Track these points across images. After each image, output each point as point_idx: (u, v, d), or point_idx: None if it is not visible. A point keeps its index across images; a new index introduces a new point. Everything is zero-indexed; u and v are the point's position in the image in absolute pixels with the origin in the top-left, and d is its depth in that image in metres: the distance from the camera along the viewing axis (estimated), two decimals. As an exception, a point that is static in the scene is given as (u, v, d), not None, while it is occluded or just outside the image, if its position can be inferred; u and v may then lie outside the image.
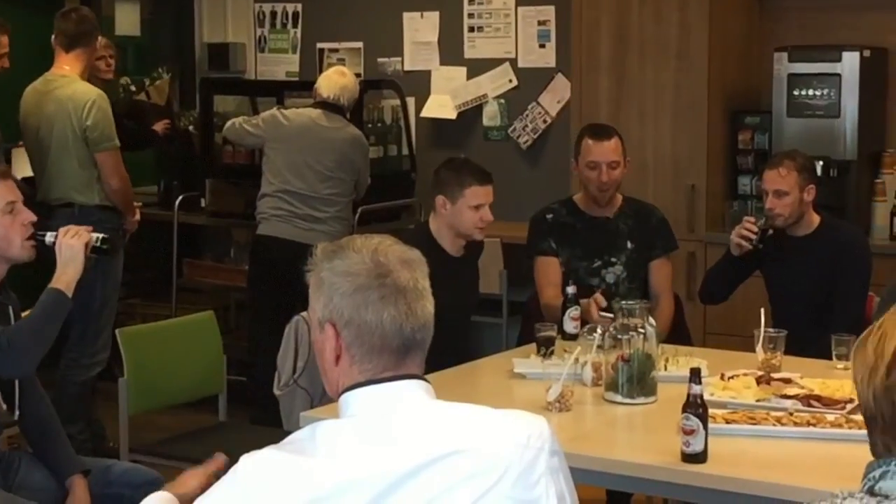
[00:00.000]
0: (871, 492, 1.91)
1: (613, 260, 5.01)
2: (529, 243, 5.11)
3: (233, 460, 2.05)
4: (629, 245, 5.02)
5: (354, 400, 2.09)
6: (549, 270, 4.98)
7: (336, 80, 6.38)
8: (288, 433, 2.15)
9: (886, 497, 1.88)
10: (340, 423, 2.07)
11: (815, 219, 4.84)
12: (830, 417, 3.48)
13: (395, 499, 1.98)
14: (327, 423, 2.08)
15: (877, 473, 1.91)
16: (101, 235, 3.90)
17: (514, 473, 2.03)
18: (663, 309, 4.94)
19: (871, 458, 1.99)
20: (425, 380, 2.13)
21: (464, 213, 4.64)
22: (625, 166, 5.03)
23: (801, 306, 4.74)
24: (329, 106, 6.30)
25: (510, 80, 7.47)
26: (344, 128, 6.32)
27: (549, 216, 5.09)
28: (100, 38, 6.05)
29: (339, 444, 2.01)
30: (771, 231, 4.77)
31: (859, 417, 3.45)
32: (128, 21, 8.25)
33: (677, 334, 4.94)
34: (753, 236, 4.76)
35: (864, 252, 4.88)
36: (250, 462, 2.01)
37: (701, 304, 5.48)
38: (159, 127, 7.28)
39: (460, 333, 4.74)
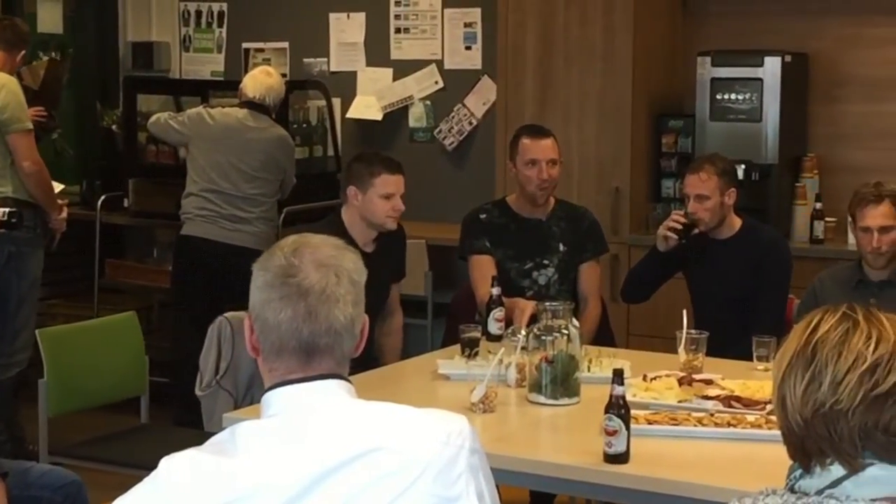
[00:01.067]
0: (792, 489, 1.94)
1: (545, 262, 5.02)
2: (463, 242, 5.11)
3: (154, 462, 2.03)
4: (561, 247, 5.04)
5: (276, 399, 2.09)
6: (484, 268, 4.98)
7: (262, 80, 6.36)
8: (210, 434, 2.14)
9: (806, 494, 1.91)
10: (260, 424, 2.07)
11: (737, 222, 4.89)
12: (751, 418, 3.52)
13: (314, 496, 1.98)
14: (247, 423, 2.08)
15: (798, 473, 1.94)
16: (6, 210, 3.84)
17: (434, 471, 2.04)
18: (591, 312, 4.98)
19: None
20: (346, 379, 2.13)
21: (375, 203, 4.70)
22: (561, 166, 5.06)
23: (723, 308, 4.78)
24: (255, 106, 6.27)
25: (436, 82, 7.47)
26: (269, 128, 6.29)
27: (483, 216, 5.10)
28: None
29: (258, 443, 2.01)
30: (697, 230, 4.81)
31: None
32: (50, 18, 8.14)
33: (601, 335, 4.97)
34: (680, 227, 4.79)
35: (784, 254, 4.94)
36: (170, 464, 2.00)
37: (623, 302, 5.52)
38: None
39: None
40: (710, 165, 4.83)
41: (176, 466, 1.99)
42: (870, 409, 1.87)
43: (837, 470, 1.90)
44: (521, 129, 5.24)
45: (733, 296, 4.80)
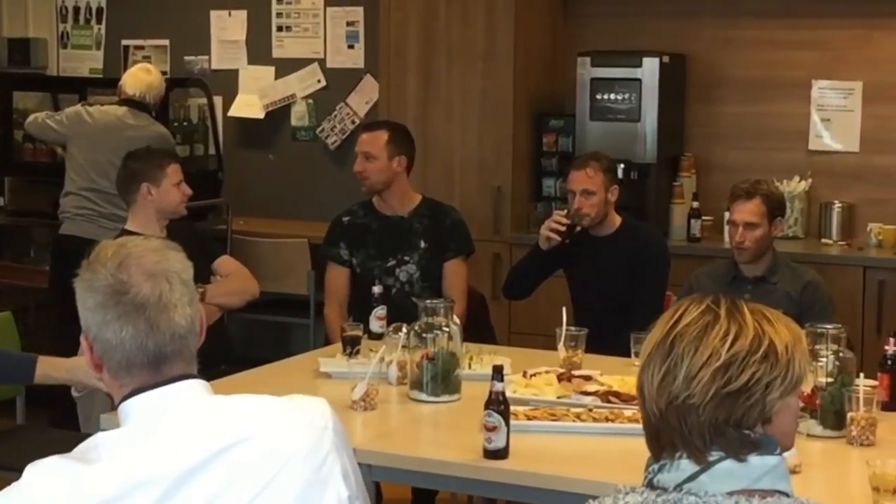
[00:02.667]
0: (650, 485, 1.96)
1: (406, 259, 5.04)
2: (322, 244, 5.20)
3: (28, 464, 2.00)
4: (422, 244, 5.05)
5: (133, 408, 2.06)
6: (335, 281, 5.11)
7: (141, 78, 6.29)
8: (87, 436, 2.12)
9: (665, 490, 1.94)
10: (121, 430, 2.05)
11: (617, 219, 4.96)
12: (628, 413, 3.56)
13: (184, 494, 1.97)
14: (108, 432, 2.06)
15: (656, 467, 1.97)
16: None
17: (302, 454, 2.04)
18: (456, 310, 4.97)
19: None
20: (199, 377, 2.11)
21: (170, 192, 4.89)
22: (390, 161, 5.01)
23: (603, 305, 4.84)
24: (134, 104, 6.21)
25: (318, 81, 7.46)
26: (149, 126, 6.22)
27: (346, 218, 5.13)
28: None
29: (121, 449, 1.99)
30: (578, 228, 4.86)
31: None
32: (-79, 14, 7.99)
33: (482, 333, 4.99)
34: (563, 228, 4.84)
35: (663, 252, 5.02)
36: (33, 472, 1.97)
37: (504, 299, 5.54)
38: None
39: None
40: (596, 162, 4.91)
41: (40, 474, 1.96)
42: (721, 405, 1.90)
43: (688, 464, 1.93)
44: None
45: (613, 293, 4.86)
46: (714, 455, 1.90)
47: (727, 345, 1.90)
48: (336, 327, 4.84)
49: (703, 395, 1.89)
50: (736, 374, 1.89)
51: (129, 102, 6.21)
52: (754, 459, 1.90)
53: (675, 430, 1.92)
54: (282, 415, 2.07)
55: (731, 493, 1.89)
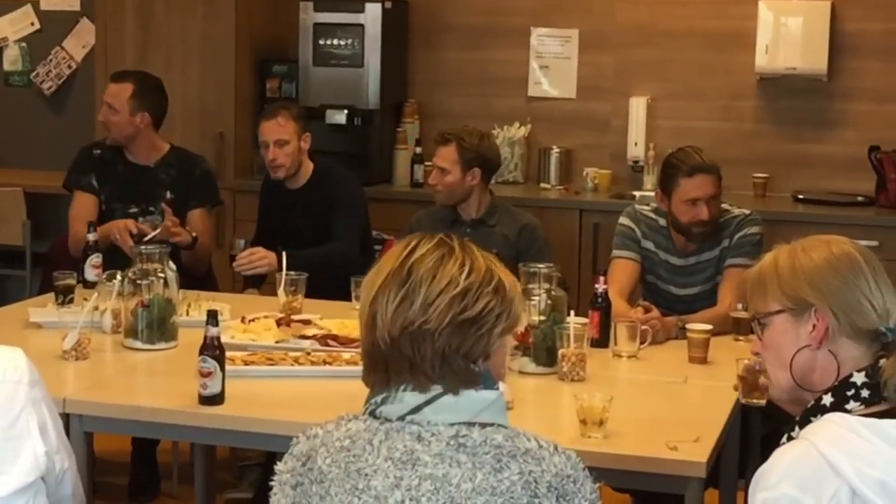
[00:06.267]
0: (373, 415, 1.99)
1: (152, 209, 4.94)
2: (70, 174, 5.03)
3: None
4: (168, 195, 4.95)
5: None
6: (83, 205, 4.93)
7: None
8: None
9: (388, 420, 1.96)
10: None
11: (310, 167, 4.97)
12: (346, 356, 3.57)
13: None
14: None
15: (378, 399, 1.99)
16: None
17: None
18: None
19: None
20: None
21: None
22: (132, 116, 4.92)
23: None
24: None
25: (32, 24, 7.21)
26: None
27: (97, 151, 5.03)
28: None
29: None
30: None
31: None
32: None
33: (204, 282, 4.93)
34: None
35: (353, 188, 5.03)
36: None
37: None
38: None
39: None
40: (286, 111, 4.94)
41: None
42: (455, 332, 1.96)
43: (412, 397, 1.97)
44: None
45: (317, 240, 4.84)
46: (436, 389, 1.94)
47: (464, 274, 1.97)
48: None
49: (439, 321, 1.95)
50: (472, 302, 1.96)
51: None
52: (474, 394, 1.96)
53: (406, 358, 1.96)
54: None
55: (452, 424, 1.95)
